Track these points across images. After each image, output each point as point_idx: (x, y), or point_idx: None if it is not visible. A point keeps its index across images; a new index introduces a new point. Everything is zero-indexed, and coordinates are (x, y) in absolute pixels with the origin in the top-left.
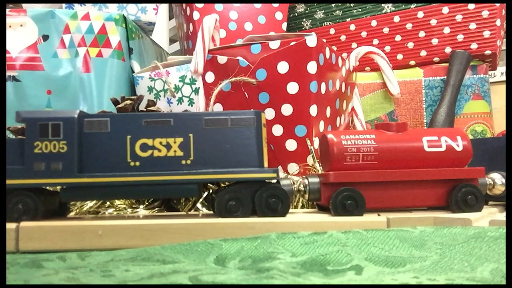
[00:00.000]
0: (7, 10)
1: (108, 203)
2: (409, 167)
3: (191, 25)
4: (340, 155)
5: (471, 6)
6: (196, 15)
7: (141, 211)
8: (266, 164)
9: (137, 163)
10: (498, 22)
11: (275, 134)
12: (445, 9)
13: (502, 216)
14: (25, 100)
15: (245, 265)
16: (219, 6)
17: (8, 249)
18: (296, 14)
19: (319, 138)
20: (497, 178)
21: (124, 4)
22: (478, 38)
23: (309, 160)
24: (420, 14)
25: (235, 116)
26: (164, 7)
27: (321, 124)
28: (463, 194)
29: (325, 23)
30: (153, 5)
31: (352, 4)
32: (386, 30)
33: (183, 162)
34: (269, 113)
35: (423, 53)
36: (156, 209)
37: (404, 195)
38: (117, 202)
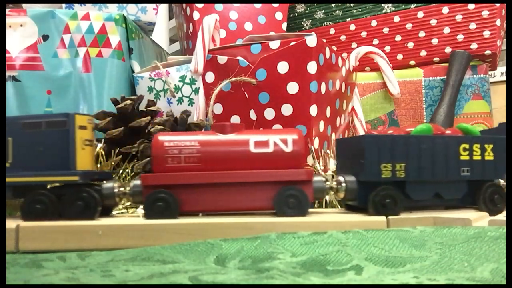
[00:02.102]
0: (7, 10)
1: None
2: (234, 169)
3: (191, 25)
4: (160, 157)
5: (471, 6)
6: (196, 15)
7: (141, 211)
8: (83, 167)
9: None
10: (498, 22)
11: None
12: (445, 9)
13: (502, 216)
14: (25, 100)
15: (245, 265)
16: (219, 6)
17: (8, 249)
18: (296, 14)
19: (319, 138)
20: (342, 182)
21: (124, 4)
22: (478, 38)
23: (309, 160)
24: (420, 14)
25: (49, 119)
26: (164, 7)
27: (321, 124)
28: (287, 197)
29: (325, 23)
30: (153, 5)
31: (352, 4)
32: (386, 30)
33: (7, 165)
34: (269, 113)
35: (423, 53)
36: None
37: (227, 198)
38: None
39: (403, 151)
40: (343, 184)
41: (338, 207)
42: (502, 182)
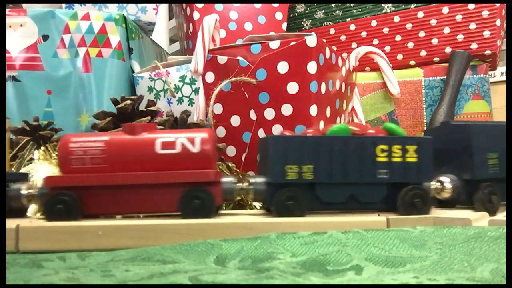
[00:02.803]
0: (7, 10)
1: None
2: (140, 170)
3: (191, 25)
4: (65, 158)
5: (471, 6)
6: (196, 15)
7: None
8: None
9: None
10: (498, 22)
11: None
12: (445, 9)
13: (502, 216)
14: (25, 100)
15: (245, 265)
16: (219, 6)
17: (8, 249)
18: (296, 14)
19: None
20: (251, 183)
21: (124, 4)
22: (478, 38)
23: None
24: (420, 14)
25: None
26: (164, 7)
27: (321, 124)
28: (191, 198)
29: (325, 23)
30: (153, 5)
31: (352, 4)
32: (386, 30)
33: None
34: (269, 113)
35: (423, 53)
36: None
37: (132, 201)
38: None
39: (312, 152)
40: (252, 186)
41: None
42: (436, 184)
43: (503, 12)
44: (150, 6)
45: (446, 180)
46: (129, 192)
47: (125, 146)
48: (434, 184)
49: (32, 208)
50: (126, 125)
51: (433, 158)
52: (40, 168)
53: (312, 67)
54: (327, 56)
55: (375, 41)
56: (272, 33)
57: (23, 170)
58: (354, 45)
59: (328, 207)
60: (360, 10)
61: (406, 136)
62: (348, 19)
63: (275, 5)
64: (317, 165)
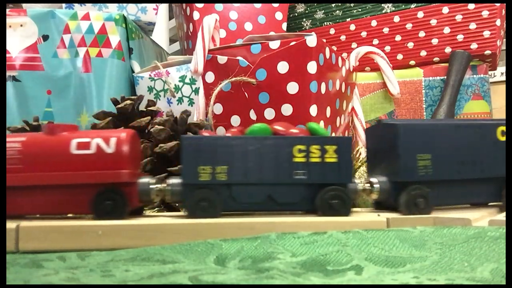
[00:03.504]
0: (7, 10)
1: None
2: (56, 171)
3: (191, 25)
4: None
5: (471, 6)
6: (196, 15)
7: None
8: None
9: None
10: (498, 22)
11: None
12: (445, 9)
13: (502, 216)
14: (25, 100)
15: (245, 265)
16: (219, 6)
17: (8, 249)
18: (296, 14)
19: None
20: (169, 184)
21: (124, 4)
22: (478, 38)
23: None
24: (420, 14)
25: None
26: (164, 7)
27: (321, 124)
28: (103, 199)
29: (325, 23)
30: (153, 5)
31: (352, 4)
32: (386, 30)
33: None
34: (269, 113)
35: (423, 53)
36: (156, 209)
37: (46, 201)
38: None
39: (226, 153)
40: (169, 187)
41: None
42: (365, 186)
43: (503, 12)
44: (150, 6)
45: (375, 181)
46: (44, 192)
47: (41, 146)
48: (362, 185)
49: None
50: (46, 125)
51: (372, 158)
52: None
53: (312, 67)
54: (327, 56)
55: (375, 41)
56: (272, 33)
57: None
58: (354, 45)
59: (245, 208)
60: (360, 10)
61: (326, 136)
62: (348, 19)
63: (275, 5)
64: (231, 166)
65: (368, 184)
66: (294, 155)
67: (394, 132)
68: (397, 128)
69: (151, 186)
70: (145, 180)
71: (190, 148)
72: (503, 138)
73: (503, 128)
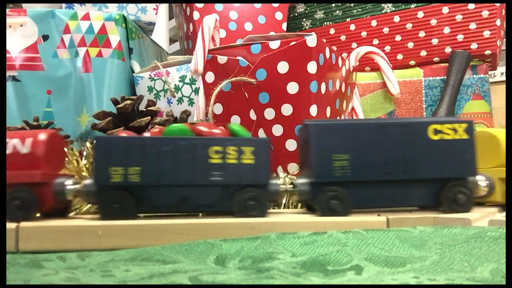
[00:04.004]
0: (7, 10)
1: None
2: None
3: (191, 25)
4: None
5: (471, 6)
6: (196, 15)
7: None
8: None
9: None
10: (498, 22)
11: (275, 134)
12: (445, 9)
13: (502, 216)
14: (25, 100)
15: (245, 265)
16: (219, 6)
17: (8, 249)
18: (296, 14)
19: None
20: (84, 185)
21: (124, 4)
22: (478, 38)
23: None
24: (420, 14)
25: None
26: (164, 7)
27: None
28: (12, 199)
29: (325, 23)
30: (153, 5)
31: (352, 4)
32: (386, 30)
33: None
34: (269, 113)
35: (423, 53)
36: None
37: None
38: None
39: (139, 154)
40: (84, 188)
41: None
42: (288, 187)
43: (503, 12)
44: (150, 6)
45: (296, 183)
46: None
47: None
48: (285, 186)
49: None
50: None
51: (301, 159)
52: None
53: (312, 67)
54: (327, 56)
55: (375, 41)
56: (272, 33)
57: None
58: (354, 45)
59: (161, 210)
60: (360, 10)
61: (243, 138)
62: (348, 19)
63: (275, 5)
64: (144, 167)
65: (291, 185)
66: (210, 156)
67: (309, 132)
68: (310, 128)
69: (66, 187)
70: (60, 180)
71: (101, 148)
72: (436, 137)
73: (436, 126)
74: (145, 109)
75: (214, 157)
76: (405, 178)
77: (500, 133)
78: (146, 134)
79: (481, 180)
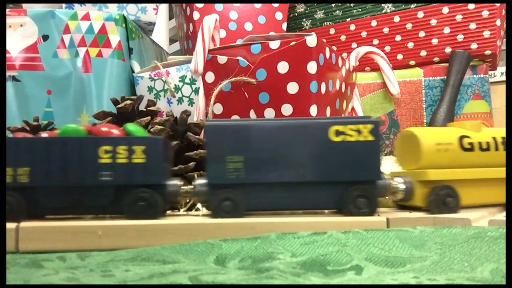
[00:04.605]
0: (7, 10)
1: None
2: None
3: (191, 25)
4: None
5: (471, 6)
6: (196, 15)
7: None
8: None
9: None
10: (498, 22)
11: None
12: (445, 9)
13: (502, 216)
14: (25, 100)
15: (245, 265)
16: (219, 6)
17: (8, 249)
18: (296, 14)
19: None
20: None
21: (124, 4)
22: (478, 38)
23: None
24: (420, 14)
25: None
26: (164, 7)
27: None
28: None
29: (325, 23)
30: (153, 5)
31: (352, 4)
32: (386, 30)
33: None
34: (269, 113)
35: (423, 53)
36: None
37: None
38: None
39: (28, 154)
40: None
41: None
42: (187, 188)
43: (503, 12)
44: (150, 6)
45: (195, 184)
46: None
47: None
48: (185, 188)
49: None
50: None
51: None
52: None
53: (312, 67)
54: (327, 56)
55: (375, 41)
56: (272, 33)
57: None
58: (354, 45)
59: (51, 212)
60: (360, 10)
61: (133, 137)
62: (348, 19)
63: (275, 5)
64: (33, 168)
65: (191, 187)
66: (100, 156)
67: (205, 133)
68: (205, 128)
69: None
70: None
71: (9, 149)
72: (338, 139)
73: (338, 127)
74: (145, 109)
75: (104, 156)
76: (304, 181)
77: (426, 133)
78: (44, 135)
79: (396, 183)
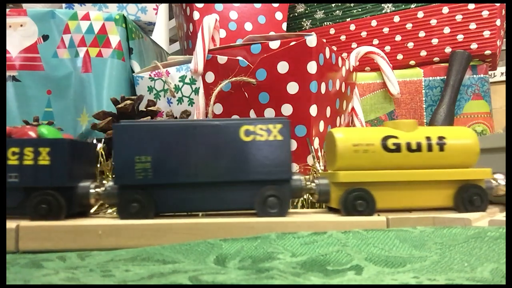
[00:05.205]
0: (7, 10)
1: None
2: None
3: (191, 25)
4: None
5: (471, 6)
6: (196, 15)
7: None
8: None
9: None
10: (498, 22)
11: None
12: (445, 9)
13: (502, 216)
14: (25, 100)
15: (245, 265)
16: (219, 6)
17: (8, 249)
18: (296, 14)
19: (319, 138)
20: None
21: (124, 4)
22: (478, 38)
23: (309, 160)
24: (420, 14)
25: None
26: (164, 7)
27: (321, 124)
28: None
29: (325, 23)
30: (153, 5)
31: (352, 4)
32: (386, 30)
33: None
34: (269, 113)
35: (423, 53)
36: None
37: None
38: None
39: None
40: None
41: None
42: (98, 189)
43: (503, 12)
44: (150, 6)
45: (107, 185)
46: None
47: None
48: (94, 190)
49: None
50: None
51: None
52: None
53: (312, 67)
54: (327, 56)
55: (375, 41)
56: (272, 33)
57: None
58: (354, 45)
59: None
60: (360, 10)
61: (39, 139)
62: (348, 19)
63: (275, 5)
64: None
65: (103, 188)
66: (8, 157)
67: (113, 134)
68: (113, 128)
69: None
70: None
71: None
72: (248, 139)
73: (248, 127)
74: (145, 109)
75: (11, 158)
76: (215, 181)
77: (345, 133)
78: None
79: (311, 184)
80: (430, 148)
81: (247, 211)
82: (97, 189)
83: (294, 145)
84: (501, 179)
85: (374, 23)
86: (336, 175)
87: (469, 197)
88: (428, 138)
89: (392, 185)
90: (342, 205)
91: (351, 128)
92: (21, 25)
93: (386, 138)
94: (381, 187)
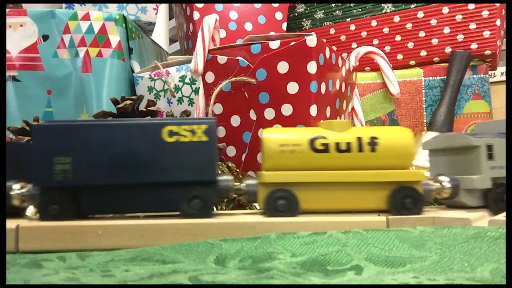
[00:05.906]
0: (7, 10)
1: None
2: None
3: (191, 25)
4: None
5: (471, 6)
6: (196, 15)
7: None
8: None
9: None
10: (498, 22)
11: None
12: (445, 9)
13: (502, 216)
14: (25, 100)
15: (245, 265)
16: (219, 6)
17: (8, 249)
18: (296, 14)
19: None
20: None
21: (124, 4)
22: (478, 38)
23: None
24: (420, 14)
25: None
26: (164, 7)
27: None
28: None
29: (325, 23)
30: (153, 5)
31: (352, 4)
32: (386, 30)
33: None
34: (269, 113)
35: (423, 53)
36: None
37: None
38: None
39: None
40: None
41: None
42: (18, 191)
43: (503, 12)
44: (150, 6)
45: (29, 187)
46: None
47: None
48: (19, 191)
49: None
50: None
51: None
52: None
53: (312, 67)
54: (327, 56)
55: (375, 41)
56: (272, 33)
57: None
58: (354, 45)
59: None
60: (360, 10)
61: None
62: (348, 19)
63: (275, 5)
64: None
65: (26, 190)
66: None
67: (32, 135)
68: (32, 130)
69: None
70: None
71: None
72: (172, 139)
73: (171, 128)
74: (145, 109)
75: None
76: (137, 182)
77: (273, 134)
78: None
79: (239, 185)
80: (360, 148)
81: (173, 212)
82: (20, 190)
83: None
84: (446, 181)
85: (374, 23)
86: (262, 175)
87: (401, 199)
88: (359, 139)
89: (318, 186)
90: (265, 205)
91: (281, 128)
92: (21, 25)
93: (314, 138)
94: (306, 188)
